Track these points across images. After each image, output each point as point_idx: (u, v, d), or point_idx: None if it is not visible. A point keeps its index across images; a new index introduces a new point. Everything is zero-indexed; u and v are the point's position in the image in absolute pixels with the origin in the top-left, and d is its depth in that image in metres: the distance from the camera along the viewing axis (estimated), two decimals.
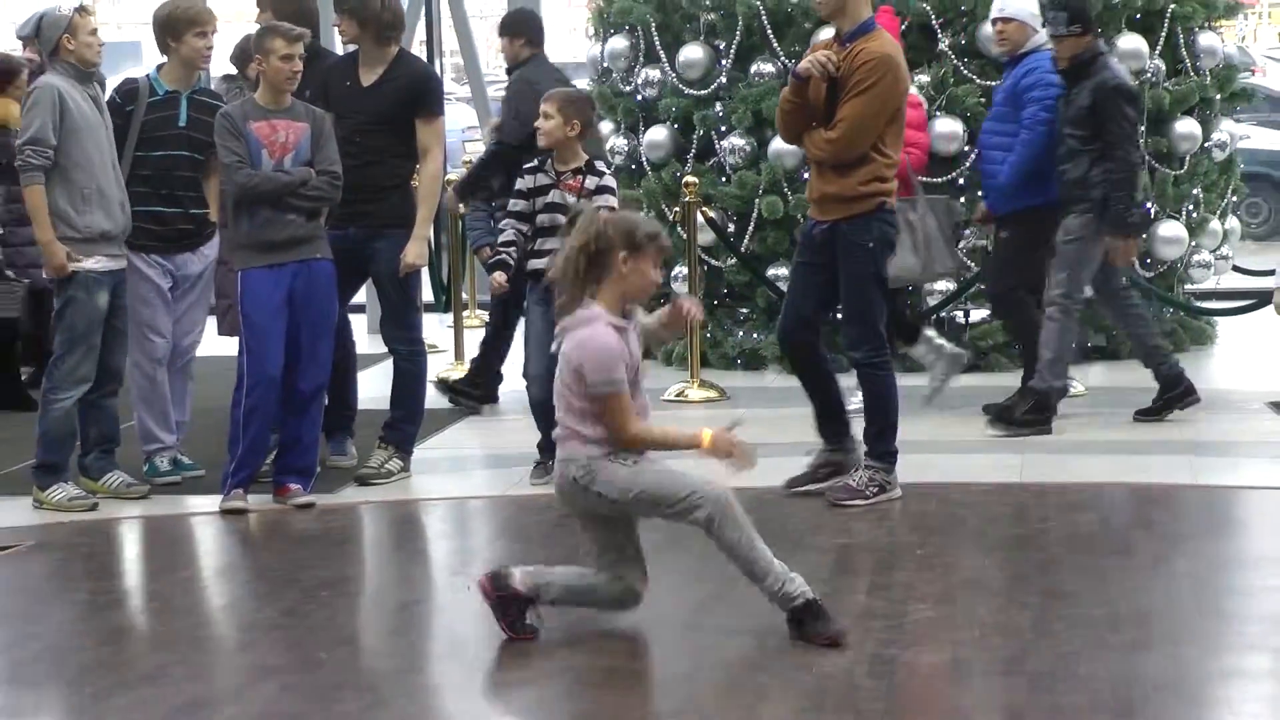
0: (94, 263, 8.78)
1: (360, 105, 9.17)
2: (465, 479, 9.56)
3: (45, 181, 8.72)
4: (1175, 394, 10.38)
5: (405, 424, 9.39)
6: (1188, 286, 13.11)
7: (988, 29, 11.92)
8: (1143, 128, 12.32)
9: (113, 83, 9.60)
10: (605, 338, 6.48)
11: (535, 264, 8.92)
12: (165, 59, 9.35)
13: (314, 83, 9.20)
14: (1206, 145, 12.80)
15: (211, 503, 8.82)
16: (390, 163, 9.20)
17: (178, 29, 9.22)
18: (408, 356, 9.36)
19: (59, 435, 8.88)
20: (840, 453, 8.85)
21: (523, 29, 10.96)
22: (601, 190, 8.90)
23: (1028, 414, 10.16)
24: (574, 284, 6.54)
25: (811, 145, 8.64)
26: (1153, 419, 10.31)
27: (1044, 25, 10.27)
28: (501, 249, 9.01)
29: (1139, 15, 12.41)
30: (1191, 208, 12.80)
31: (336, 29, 9.59)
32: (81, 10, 8.87)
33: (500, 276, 8.98)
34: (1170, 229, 12.47)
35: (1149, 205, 12.41)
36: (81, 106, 8.76)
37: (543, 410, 9.04)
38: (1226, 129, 13.01)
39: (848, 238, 8.56)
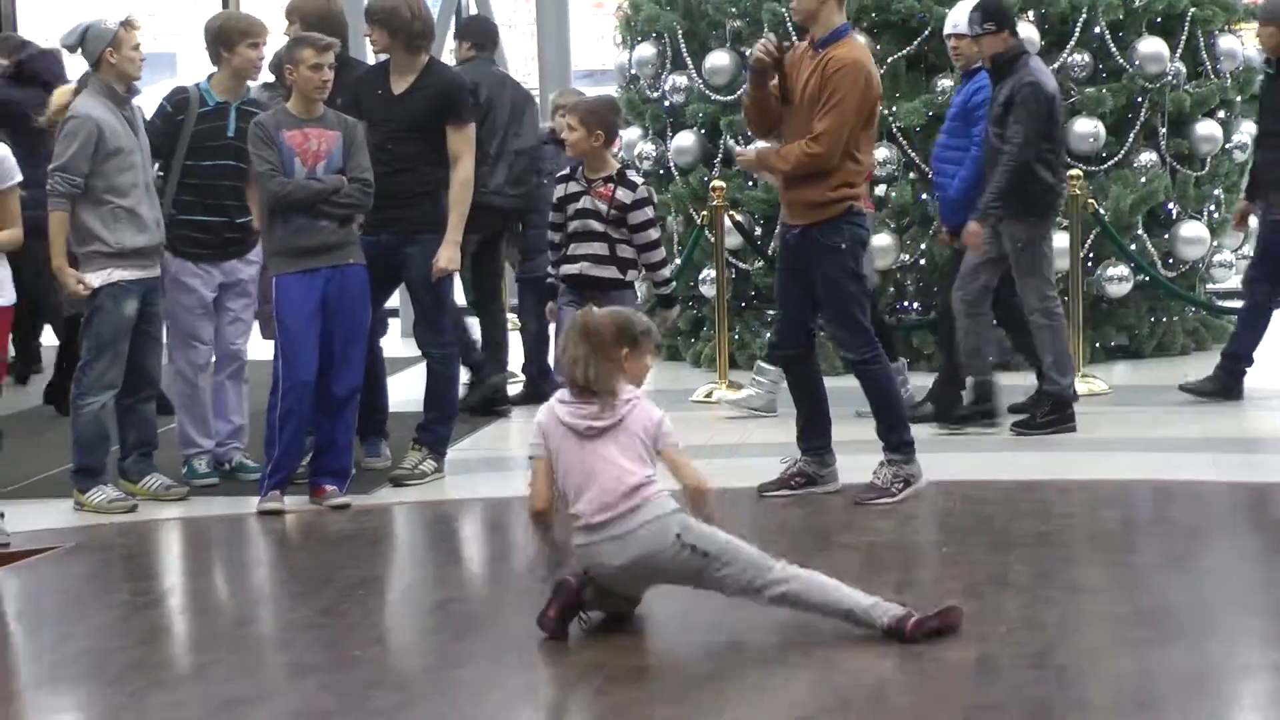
0: (121, 273, 8.88)
1: (392, 113, 9.28)
2: (498, 479, 9.62)
3: (75, 204, 8.82)
4: (983, 409, 10.30)
5: (438, 425, 9.49)
6: (1209, 286, 13.19)
7: None
8: (1163, 129, 12.44)
9: (149, 94, 9.69)
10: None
11: (568, 269, 9.04)
12: (215, 69, 9.45)
13: (345, 91, 9.31)
14: (1227, 147, 12.88)
15: (249, 504, 8.93)
16: (422, 170, 9.30)
17: (231, 39, 9.32)
18: (440, 359, 9.46)
19: (92, 439, 8.99)
20: (816, 465, 8.90)
21: (470, 34, 11.65)
22: (638, 204, 8.99)
23: (1048, 415, 10.22)
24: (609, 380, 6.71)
25: (786, 161, 8.58)
26: (954, 428, 10.26)
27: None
28: (549, 277, 9.20)
29: (1159, 19, 12.50)
30: (1213, 208, 12.88)
31: (368, 39, 9.69)
32: (127, 25, 8.92)
33: (550, 306, 9.21)
34: (1192, 229, 12.55)
35: (1171, 206, 12.49)
36: (118, 133, 8.83)
37: None
38: (1247, 130, 13.08)
39: (819, 242, 8.60)
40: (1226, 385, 11.00)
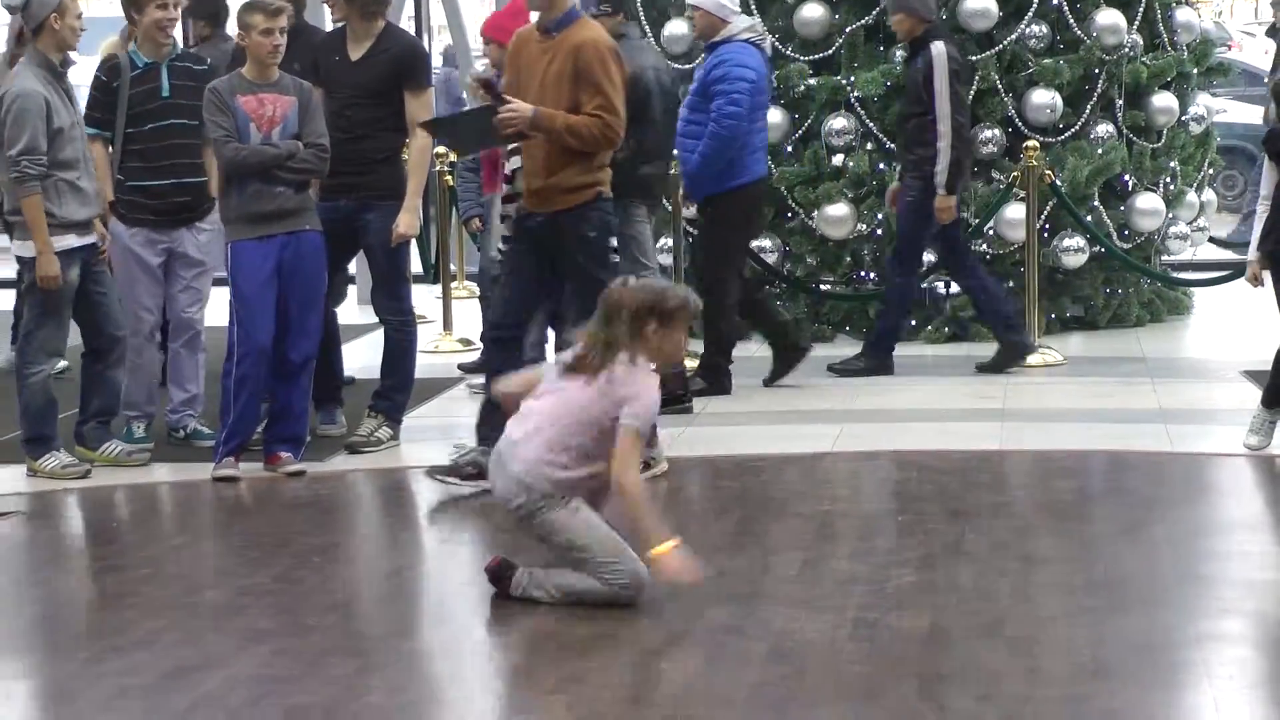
0: (61, 241, 8.75)
1: (349, 79, 9.24)
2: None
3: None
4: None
5: (395, 393, 9.47)
6: (1164, 258, 13.24)
7: (968, 4, 12.06)
8: (1120, 101, 12.47)
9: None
10: (656, 390, 6.62)
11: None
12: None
13: (303, 57, 9.28)
14: (1183, 119, 12.92)
15: (203, 471, 8.90)
16: (380, 135, 9.26)
17: (139, 1, 9.25)
18: (398, 327, 9.44)
19: (40, 406, 8.92)
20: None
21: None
22: None
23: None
24: (606, 355, 6.61)
25: (576, 133, 8.17)
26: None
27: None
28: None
29: None
30: (1169, 180, 12.92)
31: (327, 5, 9.63)
32: None
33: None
34: (1148, 201, 12.58)
35: (1127, 178, 12.51)
36: (59, 109, 8.73)
37: None
38: (1203, 103, 13.13)
39: (569, 230, 8.32)
40: (878, 362, 11.09)
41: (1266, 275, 8.93)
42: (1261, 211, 8.94)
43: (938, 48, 10.81)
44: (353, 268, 11.15)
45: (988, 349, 11.55)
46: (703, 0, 10.45)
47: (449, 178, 12.41)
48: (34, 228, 8.74)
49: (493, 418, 8.14)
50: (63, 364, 9.82)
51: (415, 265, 11.31)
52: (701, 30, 10.55)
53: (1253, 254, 9.00)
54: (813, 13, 12.20)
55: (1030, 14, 12.22)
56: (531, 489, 6.64)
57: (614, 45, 8.43)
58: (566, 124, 8.17)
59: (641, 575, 6.59)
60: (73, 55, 9.08)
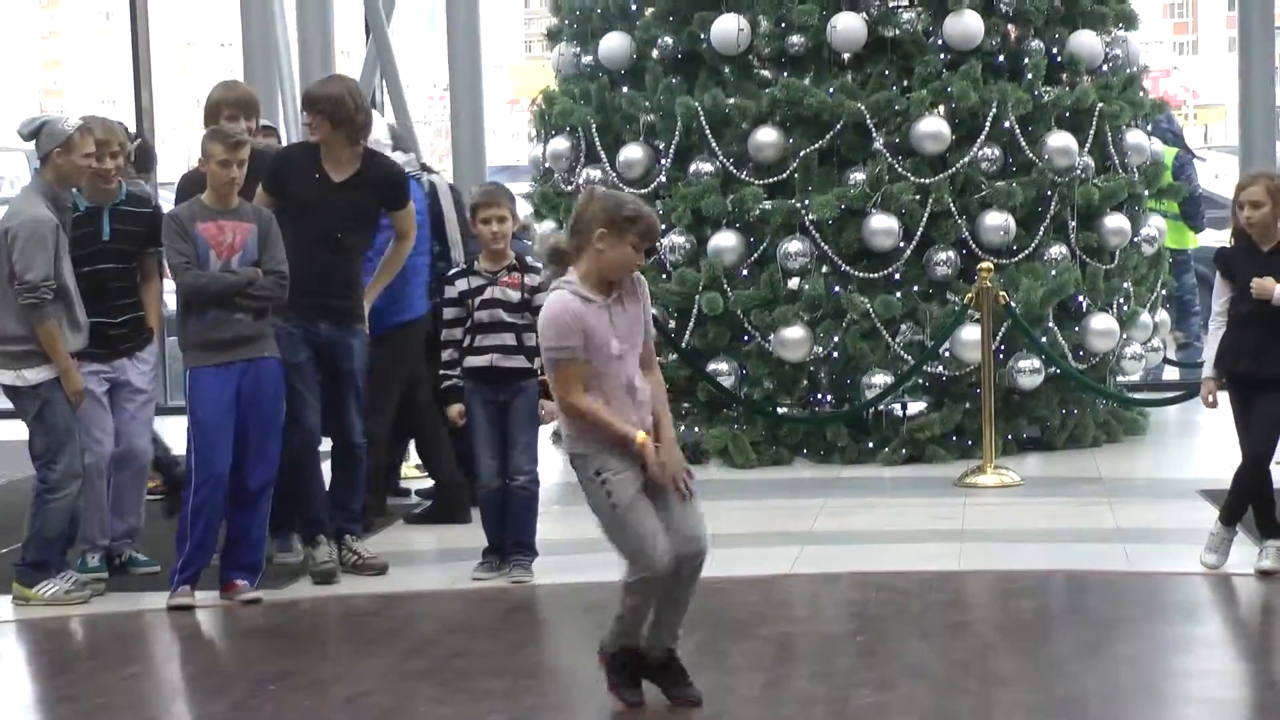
0: (54, 368, 8.83)
1: (335, 202, 9.18)
2: (413, 574, 9.57)
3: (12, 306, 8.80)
4: None
5: (360, 511, 9.56)
6: (1120, 378, 13.30)
7: (921, 127, 12.16)
8: (1073, 222, 12.56)
9: None
10: (559, 305, 6.69)
11: (475, 361, 9.04)
12: None
13: (261, 169, 9.22)
14: (1135, 240, 13.02)
15: (159, 599, 8.84)
16: (359, 259, 9.36)
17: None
18: (366, 449, 9.48)
19: (56, 533, 8.88)
20: None
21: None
22: (544, 288, 9.05)
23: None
24: (554, 258, 6.83)
25: None
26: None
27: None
28: (445, 373, 9.15)
29: (1068, 114, 12.63)
30: (1122, 301, 13.00)
31: (306, 127, 9.51)
32: (84, 130, 8.88)
33: (456, 409, 9.13)
34: (1102, 322, 12.65)
35: (1081, 299, 12.60)
36: (62, 238, 8.81)
37: (494, 513, 9.13)
38: (1154, 224, 13.24)
39: None
40: (451, 507, 10.76)
41: (1223, 395, 8.94)
42: (1214, 329, 8.97)
43: None
44: None
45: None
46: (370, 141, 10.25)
47: None
48: (54, 351, 8.79)
49: None
50: None
51: None
52: None
53: (1208, 371, 8.99)
54: (767, 137, 12.30)
55: (983, 137, 12.33)
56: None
57: None
58: None
59: (661, 571, 6.71)
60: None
